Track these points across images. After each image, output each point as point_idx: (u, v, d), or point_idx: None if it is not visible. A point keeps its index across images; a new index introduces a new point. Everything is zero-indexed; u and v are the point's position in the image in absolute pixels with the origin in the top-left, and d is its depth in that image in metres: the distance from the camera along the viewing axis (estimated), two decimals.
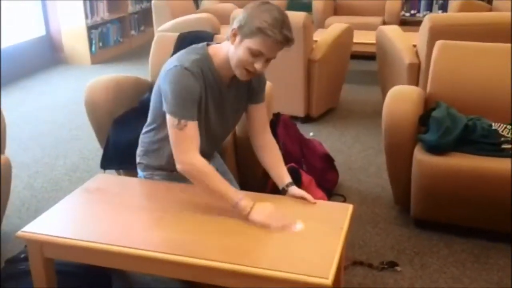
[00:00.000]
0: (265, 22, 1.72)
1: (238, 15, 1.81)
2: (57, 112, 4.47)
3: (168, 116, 1.83)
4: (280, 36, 1.74)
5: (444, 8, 7.02)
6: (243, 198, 1.77)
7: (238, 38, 1.79)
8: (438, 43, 2.84)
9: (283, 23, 1.74)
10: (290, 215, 1.80)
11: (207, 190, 1.83)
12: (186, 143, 1.81)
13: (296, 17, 3.78)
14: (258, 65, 1.79)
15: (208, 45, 1.93)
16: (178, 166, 1.83)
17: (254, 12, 1.75)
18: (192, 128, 1.81)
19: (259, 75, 1.92)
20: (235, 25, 1.79)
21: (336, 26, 4.33)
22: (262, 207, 1.77)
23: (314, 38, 4.10)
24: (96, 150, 2.67)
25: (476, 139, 2.40)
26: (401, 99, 2.58)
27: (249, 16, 1.76)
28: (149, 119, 2.07)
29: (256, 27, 1.73)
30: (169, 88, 1.82)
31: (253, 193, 2.04)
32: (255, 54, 1.77)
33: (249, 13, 1.77)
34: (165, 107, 1.85)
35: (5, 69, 5.22)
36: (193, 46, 1.94)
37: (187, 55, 1.87)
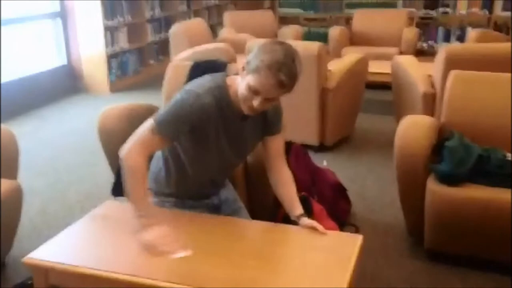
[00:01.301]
0: (262, 62, 1.71)
1: (253, 48, 1.82)
2: (73, 139, 4.53)
3: (151, 118, 1.84)
4: (273, 79, 1.71)
5: (461, 38, 7.02)
6: (146, 216, 1.78)
7: (244, 73, 1.80)
8: (452, 72, 2.82)
9: (282, 67, 1.70)
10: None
11: (128, 187, 1.82)
12: (145, 146, 1.82)
13: (311, 47, 3.82)
14: (255, 102, 1.78)
15: (227, 75, 1.94)
16: (123, 152, 1.83)
17: (261, 50, 1.75)
18: (159, 141, 1.83)
19: (261, 111, 1.86)
20: (247, 59, 1.81)
21: (351, 55, 4.35)
22: (157, 229, 1.76)
23: (329, 68, 4.12)
24: (109, 178, 2.68)
25: (490, 170, 2.35)
26: (413, 128, 2.55)
27: (256, 53, 1.76)
28: None
29: (256, 65, 1.73)
30: (172, 103, 1.84)
31: (262, 222, 2.03)
32: (252, 91, 1.76)
33: (258, 49, 1.77)
34: (155, 115, 1.85)
35: (24, 97, 5.34)
36: (213, 74, 1.94)
37: (205, 82, 1.88)
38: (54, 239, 1.84)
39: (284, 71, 1.71)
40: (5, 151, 2.53)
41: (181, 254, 1.71)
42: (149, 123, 1.84)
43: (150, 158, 1.98)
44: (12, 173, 2.57)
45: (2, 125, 2.64)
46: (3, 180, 2.43)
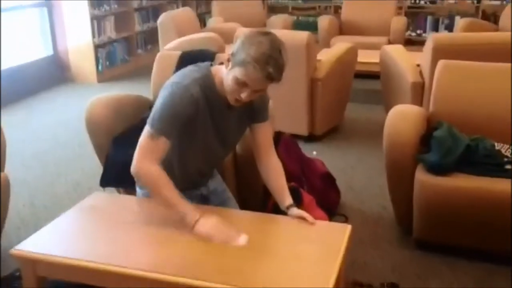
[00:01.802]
0: (249, 56, 1.70)
1: (238, 38, 1.80)
2: (60, 130, 4.49)
3: (147, 125, 1.82)
4: (261, 73, 1.70)
5: (450, 28, 7.03)
6: (191, 211, 1.78)
7: (230, 64, 1.78)
8: (441, 62, 2.83)
9: (269, 59, 1.69)
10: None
11: (158, 197, 1.82)
12: (152, 154, 1.80)
13: (299, 36, 3.80)
14: (243, 95, 1.77)
15: (212, 65, 1.93)
16: (134, 169, 1.82)
17: (246, 42, 1.73)
18: (163, 143, 1.80)
19: (249, 103, 1.86)
20: (231, 50, 1.79)
21: (340, 45, 4.34)
22: (207, 220, 1.77)
23: (318, 57, 4.11)
24: (97, 168, 2.67)
25: (478, 159, 2.37)
26: (402, 118, 2.56)
27: (241, 44, 1.74)
28: None
29: (242, 58, 1.72)
30: (161, 101, 1.82)
31: (251, 212, 2.03)
32: (240, 84, 1.75)
33: (243, 41, 1.75)
34: (149, 116, 1.84)
35: (11, 88, 5.27)
36: (198, 64, 1.93)
37: (190, 73, 1.87)
38: (42, 231, 1.83)
39: (271, 64, 1.70)
40: None
41: (242, 239, 1.73)
42: (146, 130, 1.82)
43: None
44: None
45: None
46: None
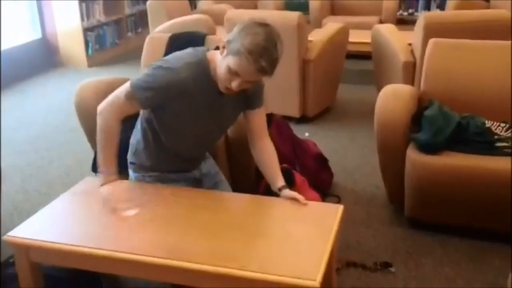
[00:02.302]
0: (243, 46, 1.68)
1: (235, 26, 1.77)
2: (52, 115, 4.46)
3: (129, 82, 1.84)
4: (254, 65, 1.69)
5: (442, 7, 6.99)
6: (107, 174, 1.88)
7: (225, 52, 1.76)
8: (432, 41, 2.82)
9: (263, 52, 1.67)
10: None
11: (98, 146, 1.91)
12: (119, 109, 1.85)
13: (290, 16, 3.77)
14: (234, 84, 1.76)
15: (208, 49, 1.91)
16: (99, 109, 1.89)
17: (242, 32, 1.71)
18: (132, 106, 1.85)
19: (238, 91, 1.84)
20: (227, 37, 1.77)
21: (331, 25, 4.31)
22: (113, 186, 1.88)
23: (310, 38, 4.08)
24: (89, 153, 2.65)
25: (469, 137, 2.38)
26: (393, 98, 2.56)
27: (237, 33, 1.72)
28: (138, 120, 2.06)
29: (237, 49, 1.70)
30: (150, 73, 1.82)
31: (244, 194, 2.03)
32: (232, 73, 1.74)
33: (239, 30, 1.73)
34: (132, 79, 1.85)
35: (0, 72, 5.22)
36: (195, 48, 1.91)
37: (185, 57, 1.85)
38: (34, 217, 1.83)
39: (265, 57, 1.68)
40: None
41: (131, 212, 1.80)
42: (125, 86, 1.85)
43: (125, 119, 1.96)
44: None
45: None
46: None
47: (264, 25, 1.73)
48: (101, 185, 1.88)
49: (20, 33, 5.68)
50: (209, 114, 1.92)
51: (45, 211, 1.86)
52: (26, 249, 1.71)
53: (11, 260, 2.05)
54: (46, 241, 1.68)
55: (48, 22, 5.90)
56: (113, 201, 1.84)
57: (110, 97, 1.88)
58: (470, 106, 2.61)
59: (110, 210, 1.81)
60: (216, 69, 1.81)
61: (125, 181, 1.94)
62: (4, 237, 1.72)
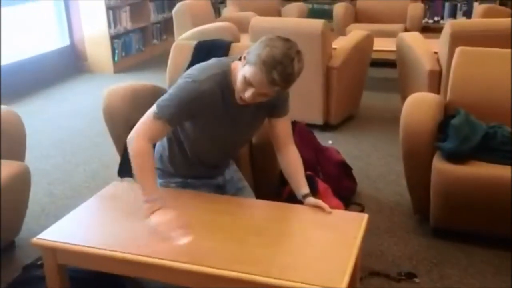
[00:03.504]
0: (259, 57, 1.69)
1: (259, 33, 1.78)
2: (78, 120, 4.54)
3: (154, 105, 1.85)
4: (266, 76, 1.68)
5: (468, 14, 6.91)
6: (153, 200, 1.78)
7: (243, 62, 1.78)
8: (458, 49, 2.79)
9: (277, 65, 1.67)
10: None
11: (135, 172, 1.84)
12: (149, 131, 1.82)
13: (315, 24, 3.78)
14: (247, 94, 1.76)
15: (233, 60, 1.92)
16: (129, 137, 1.84)
17: (262, 43, 1.72)
18: (162, 126, 1.82)
19: (252, 103, 1.83)
20: (249, 48, 1.79)
21: (355, 33, 4.30)
22: (163, 213, 1.76)
23: (334, 46, 4.08)
24: (115, 158, 2.69)
25: (496, 146, 2.34)
26: (419, 106, 2.54)
27: (258, 44, 1.74)
28: None
29: (253, 59, 1.71)
30: (173, 89, 1.85)
31: (267, 201, 2.04)
32: (246, 82, 1.75)
33: (260, 42, 1.74)
34: (158, 100, 1.85)
35: (29, 78, 5.35)
36: (219, 59, 1.94)
37: (209, 68, 1.87)
38: (63, 220, 1.87)
39: (278, 70, 1.67)
40: (12, 133, 2.54)
41: (184, 240, 1.70)
42: (152, 109, 1.85)
43: (154, 144, 1.97)
44: (20, 155, 2.59)
45: (9, 108, 2.65)
46: (11, 162, 2.45)
47: (285, 40, 1.73)
48: (148, 214, 1.77)
49: (49, 40, 5.81)
50: (231, 124, 1.94)
51: (72, 215, 1.90)
52: (54, 251, 1.74)
53: (38, 263, 2.09)
54: (74, 244, 1.71)
55: (76, 29, 6.03)
56: (166, 231, 1.73)
57: (136, 126, 1.85)
58: (497, 115, 2.57)
59: (162, 240, 1.70)
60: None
61: (171, 208, 1.80)
62: (33, 240, 1.75)
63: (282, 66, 1.68)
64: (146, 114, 1.85)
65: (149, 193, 1.80)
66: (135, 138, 1.82)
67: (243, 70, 1.76)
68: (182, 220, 1.77)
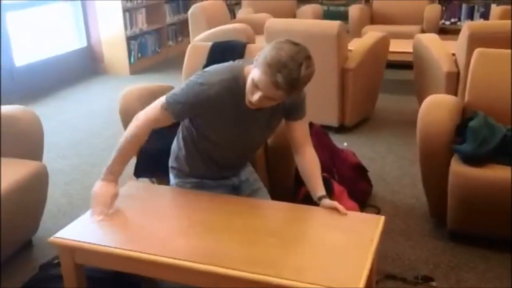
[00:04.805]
0: (265, 59, 1.67)
1: (274, 35, 1.78)
2: (94, 120, 4.58)
3: (164, 97, 1.90)
4: (269, 78, 1.66)
5: (485, 16, 6.84)
6: (110, 171, 1.92)
7: (254, 65, 1.77)
8: (477, 51, 2.76)
9: (282, 68, 1.64)
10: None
11: (117, 148, 1.94)
12: (152, 118, 1.91)
13: (330, 25, 3.77)
14: (255, 97, 1.74)
15: (247, 64, 1.91)
16: (134, 118, 1.95)
17: (271, 46, 1.70)
18: (166, 117, 1.90)
19: (259, 106, 1.81)
20: (261, 51, 1.78)
21: (371, 34, 4.28)
22: (99, 187, 1.90)
23: (350, 47, 4.06)
24: (132, 158, 2.71)
25: None
26: (437, 108, 2.52)
27: (267, 47, 1.72)
28: (179, 127, 2.10)
29: (260, 60, 1.70)
30: (184, 86, 1.88)
31: (282, 202, 2.03)
32: (254, 84, 1.73)
33: (270, 45, 1.73)
34: (169, 92, 1.91)
35: (46, 79, 5.41)
36: (232, 62, 1.93)
37: (221, 72, 1.87)
38: (80, 219, 1.88)
39: (283, 73, 1.64)
40: (30, 133, 2.57)
41: (98, 218, 1.84)
42: (162, 98, 1.91)
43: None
44: (38, 155, 2.61)
45: (27, 108, 2.68)
46: (29, 162, 2.48)
47: (294, 44, 1.70)
48: (98, 180, 1.92)
49: (66, 41, 5.88)
50: (245, 127, 1.93)
51: (89, 214, 1.91)
52: (71, 250, 1.76)
53: (55, 261, 2.11)
54: (91, 243, 1.72)
55: (93, 31, 6.09)
56: (95, 201, 1.88)
57: (148, 107, 1.94)
58: None
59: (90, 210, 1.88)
60: None
61: (116, 187, 1.94)
62: (51, 238, 1.77)
63: (287, 70, 1.64)
64: (156, 102, 1.92)
65: (113, 164, 1.92)
66: (141, 120, 1.92)
67: (252, 73, 1.75)
68: (113, 201, 1.90)
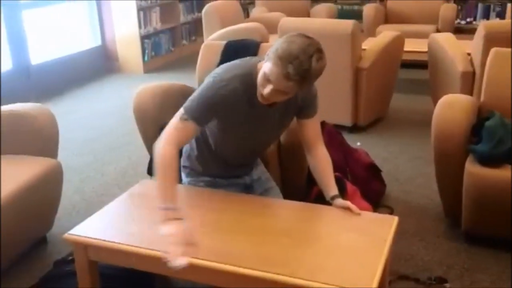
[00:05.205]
0: (277, 51, 1.67)
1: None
2: (108, 119, 4.61)
3: (181, 107, 1.84)
4: (280, 69, 1.65)
5: (501, 15, 6.76)
6: (169, 208, 1.71)
7: (266, 59, 1.76)
8: (493, 50, 2.73)
9: (293, 59, 1.63)
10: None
11: (158, 179, 1.79)
12: (177, 133, 1.81)
13: (344, 24, 3.75)
14: (266, 90, 1.73)
15: (260, 60, 1.90)
16: (157, 143, 1.81)
17: (283, 39, 1.70)
18: (190, 127, 1.82)
19: (271, 101, 1.81)
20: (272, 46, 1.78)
21: (386, 34, 4.25)
22: (175, 225, 1.67)
23: (364, 47, 4.04)
24: (145, 157, 2.72)
25: None
26: (452, 107, 2.49)
27: (279, 41, 1.72)
28: None
29: (272, 53, 1.69)
30: (199, 90, 1.85)
31: (294, 201, 2.03)
32: (265, 78, 1.72)
33: (282, 38, 1.72)
34: (185, 103, 1.85)
35: (62, 77, 5.46)
36: (245, 60, 1.93)
37: (234, 68, 1.87)
38: (94, 216, 1.89)
39: (294, 65, 1.64)
40: (46, 131, 2.60)
41: (179, 262, 1.58)
42: (179, 112, 1.85)
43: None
44: (53, 152, 2.64)
45: (43, 106, 2.71)
46: (45, 159, 2.50)
47: (305, 37, 1.70)
48: (161, 222, 1.69)
49: (81, 40, 5.93)
50: (257, 124, 1.93)
51: (103, 211, 1.93)
52: (85, 247, 1.77)
53: (69, 258, 2.13)
54: (105, 240, 1.73)
55: (107, 30, 6.13)
56: (172, 244, 1.63)
57: (165, 130, 1.83)
58: None
59: (164, 254, 1.61)
60: None
61: (186, 222, 1.70)
62: (65, 235, 1.79)
63: (298, 61, 1.64)
64: (174, 118, 1.84)
65: (167, 201, 1.73)
66: (162, 143, 1.79)
67: (264, 67, 1.75)
68: (192, 237, 1.67)
